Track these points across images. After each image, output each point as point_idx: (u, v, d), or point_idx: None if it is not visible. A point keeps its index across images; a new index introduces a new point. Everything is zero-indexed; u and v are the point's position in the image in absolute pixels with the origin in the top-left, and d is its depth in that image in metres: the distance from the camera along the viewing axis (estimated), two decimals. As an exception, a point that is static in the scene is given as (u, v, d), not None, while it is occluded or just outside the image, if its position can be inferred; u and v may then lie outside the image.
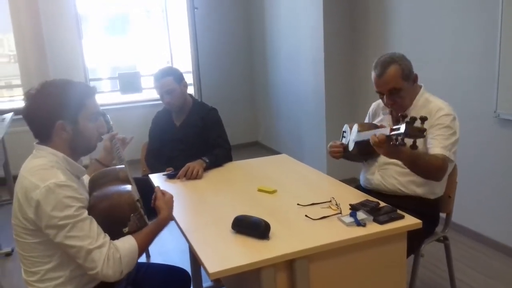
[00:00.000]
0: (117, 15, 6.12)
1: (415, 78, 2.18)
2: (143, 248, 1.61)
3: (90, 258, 1.46)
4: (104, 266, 1.47)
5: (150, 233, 1.64)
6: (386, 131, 1.87)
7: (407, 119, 1.73)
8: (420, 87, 2.24)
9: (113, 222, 1.56)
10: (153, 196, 1.79)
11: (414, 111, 2.18)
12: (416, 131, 1.72)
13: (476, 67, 3.11)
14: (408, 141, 1.75)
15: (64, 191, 1.46)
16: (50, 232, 1.46)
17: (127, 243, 1.55)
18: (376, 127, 2.27)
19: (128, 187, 1.63)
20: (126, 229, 1.57)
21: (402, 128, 1.73)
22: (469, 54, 3.15)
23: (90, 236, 1.47)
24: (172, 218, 1.79)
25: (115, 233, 1.56)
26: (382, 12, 3.98)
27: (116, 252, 1.51)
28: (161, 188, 1.82)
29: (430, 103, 2.16)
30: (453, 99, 3.24)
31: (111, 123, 2.07)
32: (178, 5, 5.96)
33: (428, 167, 2.03)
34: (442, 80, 3.39)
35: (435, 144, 2.07)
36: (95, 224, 1.51)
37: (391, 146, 1.86)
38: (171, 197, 1.81)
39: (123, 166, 1.81)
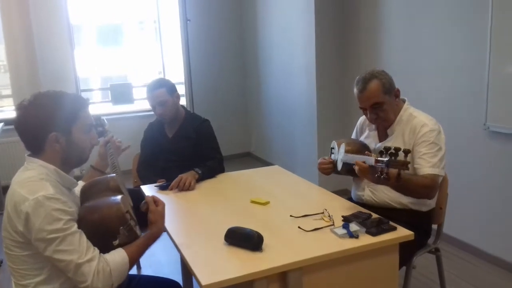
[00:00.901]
0: (110, 25, 6.13)
1: (396, 93, 2.20)
2: (134, 260, 1.59)
3: (80, 272, 1.45)
4: (94, 280, 1.46)
5: (141, 245, 1.62)
6: (371, 160, 1.89)
7: (392, 150, 1.76)
8: (404, 101, 2.26)
9: (102, 235, 1.55)
10: (142, 204, 1.72)
11: (399, 126, 2.20)
12: (399, 165, 1.75)
13: (466, 80, 3.15)
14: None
15: (53, 203, 1.45)
16: (39, 246, 1.45)
17: (118, 256, 1.54)
18: (364, 147, 2.29)
19: (118, 198, 1.61)
20: (116, 242, 1.55)
21: (386, 161, 1.77)
22: (459, 66, 3.19)
23: (79, 250, 1.45)
24: (163, 230, 1.76)
25: (105, 246, 1.54)
26: (373, 24, 4.03)
27: (106, 266, 1.49)
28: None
29: (414, 119, 2.18)
30: (443, 112, 3.30)
31: (106, 126, 2.04)
32: (170, 16, 5.98)
33: (418, 189, 2.05)
34: (432, 92, 3.43)
35: (423, 164, 2.08)
36: (84, 237, 1.50)
37: (375, 177, 1.87)
38: (164, 206, 1.75)
39: (114, 174, 1.79)
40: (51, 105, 1.56)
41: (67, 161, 1.63)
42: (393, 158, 1.76)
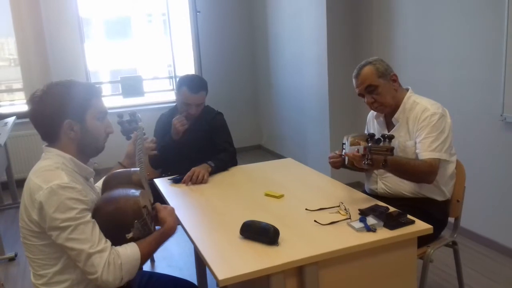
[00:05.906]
0: (118, 18, 6.11)
1: (393, 77, 2.21)
2: (146, 256, 1.58)
3: (90, 262, 1.44)
4: (104, 272, 1.45)
5: (154, 241, 1.60)
6: (362, 149, 1.92)
7: (379, 137, 1.81)
8: (407, 90, 2.27)
9: (116, 226, 1.54)
10: (153, 211, 1.72)
11: (403, 114, 2.21)
12: (382, 151, 1.78)
13: (483, 70, 3.09)
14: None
15: (67, 192, 1.44)
16: (52, 234, 1.45)
17: (130, 250, 1.53)
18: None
19: (137, 192, 1.60)
20: (129, 235, 1.54)
21: (368, 147, 1.82)
22: (475, 57, 3.13)
23: (91, 240, 1.45)
24: (176, 228, 1.73)
25: (118, 238, 1.53)
26: (386, 16, 3.97)
27: (117, 258, 1.48)
28: (166, 193, 1.78)
29: (417, 105, 2.19)
30: (459, 103, 3.25)
31: (140, 123, 2.04)
32: (180, 8, 5.94)
33: (416, 173, 2.06)
34: (447, 83, 3.37)
35: (423, 149, 2.09)
36: (97, 227, 1.49)
37: (364, 165, 1.89)
38: (173, 209, 1.77)
39: (139, 169, 1.78)
40: (64, 93, 1.56)
41: (83, 150, 1.63)
42: (375, 144, 1.80)
